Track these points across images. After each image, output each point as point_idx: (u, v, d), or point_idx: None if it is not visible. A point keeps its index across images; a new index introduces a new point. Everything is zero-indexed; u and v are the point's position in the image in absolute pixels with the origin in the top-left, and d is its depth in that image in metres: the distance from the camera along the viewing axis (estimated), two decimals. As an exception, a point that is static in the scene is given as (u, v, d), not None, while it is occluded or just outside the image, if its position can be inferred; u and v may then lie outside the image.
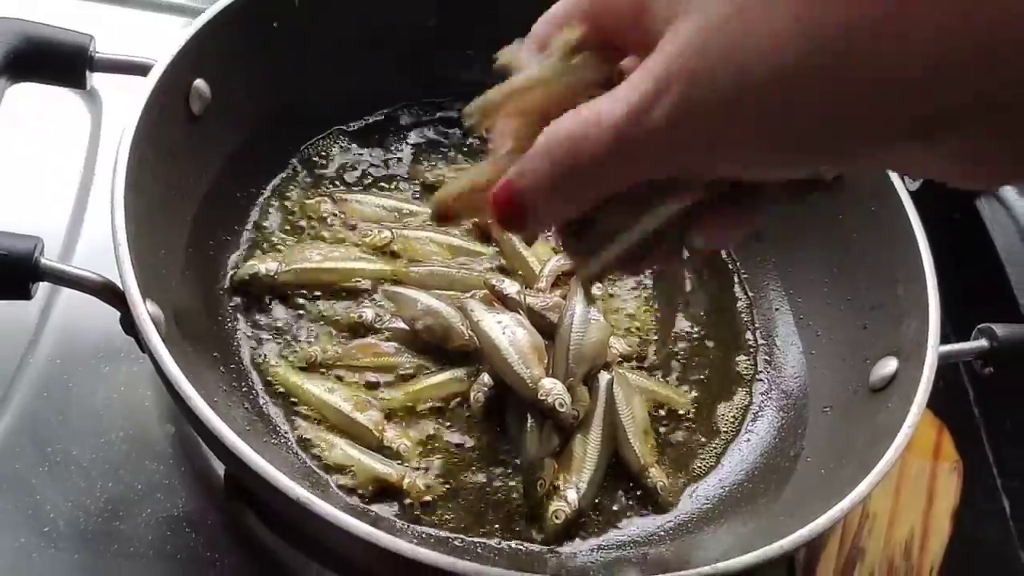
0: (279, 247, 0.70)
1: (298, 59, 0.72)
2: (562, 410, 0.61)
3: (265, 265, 0.67)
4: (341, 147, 0.77)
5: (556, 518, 0.59)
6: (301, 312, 0.67)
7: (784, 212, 0.72)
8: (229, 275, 0.67)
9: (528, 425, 0.61)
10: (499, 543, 0.59)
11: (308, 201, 0.73)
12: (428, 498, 0.60)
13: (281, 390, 0.63)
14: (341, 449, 0.60)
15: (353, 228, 0.72)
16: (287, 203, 0.73)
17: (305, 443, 0.61)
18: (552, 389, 0.61)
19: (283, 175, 0.74)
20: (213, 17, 0.64)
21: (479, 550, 0.58)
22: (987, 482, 0.78)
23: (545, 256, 0.72)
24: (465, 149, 0.79)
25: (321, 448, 0.60)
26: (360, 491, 0.59)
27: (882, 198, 0.67)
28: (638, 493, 0.63)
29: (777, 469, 0.65)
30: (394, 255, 0.70)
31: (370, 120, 0.79)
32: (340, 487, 0.59)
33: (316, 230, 0.71)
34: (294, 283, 0.67)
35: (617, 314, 0.72)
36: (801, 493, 0.61)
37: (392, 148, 0.78)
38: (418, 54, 0.78)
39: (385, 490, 0.59)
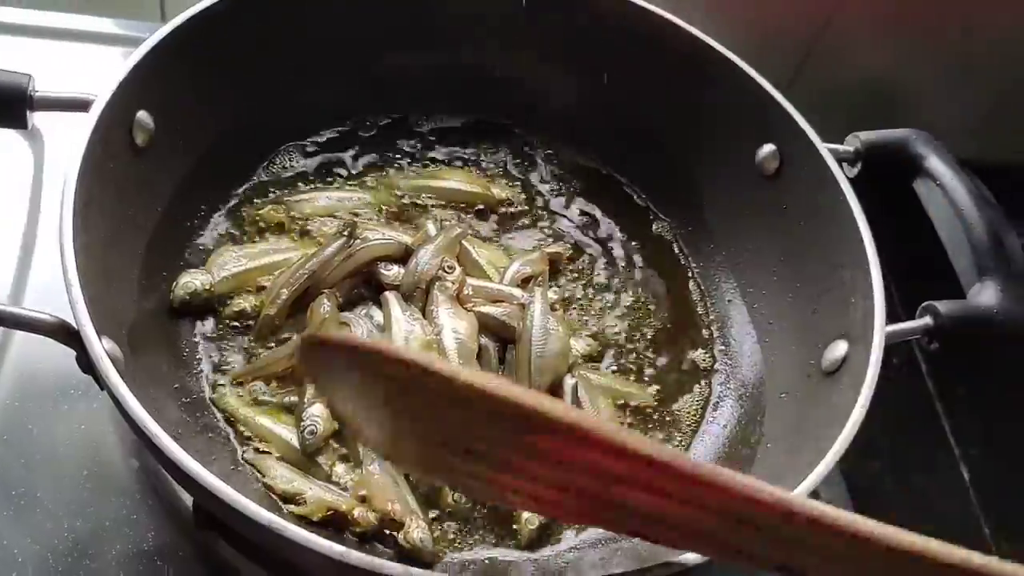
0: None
1: (241, 83, 0.72)
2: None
3: (199, 280, 0.66)
4: (291, 164, 0.77)
5: (530, 524, 0.60)
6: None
7: (730, 205, 0.76)
8: (170, 298, 0.66)
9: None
10: (472, 555, 0.60)
11: (260, 212, 0.73)
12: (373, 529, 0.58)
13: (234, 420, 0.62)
14: (291, 478, 0.59)
15: (305, 233, 0.72)
16: (239, 221, 0.72)
17: (257, 471, 0.60)
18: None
19: (233, 196, 0.74)
20: (152, 48, 0.64)
21: (453, 563, 0.59)
22: (947, 455, 0.80)
23: (501, 263, 0.73)
24: (413, 160, 0.80)
25: (272, 476, 0.60)
26: (311, 519, 0.57)
27: (823, 187, 0.68)
28: (606, 491, 0.64)
29: (739, 457, 0.66)
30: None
31: (321, 137, 0.79)
32: (290, 515, 0.57)
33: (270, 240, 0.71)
34: (231, 290, 0.67)
35: (576, 316, 0.73)
36: (763, 480, 0.62)
37: (343, 161, 0.79)
38: (367, 69, 0.78)
39: (333, 520, 0.58)
